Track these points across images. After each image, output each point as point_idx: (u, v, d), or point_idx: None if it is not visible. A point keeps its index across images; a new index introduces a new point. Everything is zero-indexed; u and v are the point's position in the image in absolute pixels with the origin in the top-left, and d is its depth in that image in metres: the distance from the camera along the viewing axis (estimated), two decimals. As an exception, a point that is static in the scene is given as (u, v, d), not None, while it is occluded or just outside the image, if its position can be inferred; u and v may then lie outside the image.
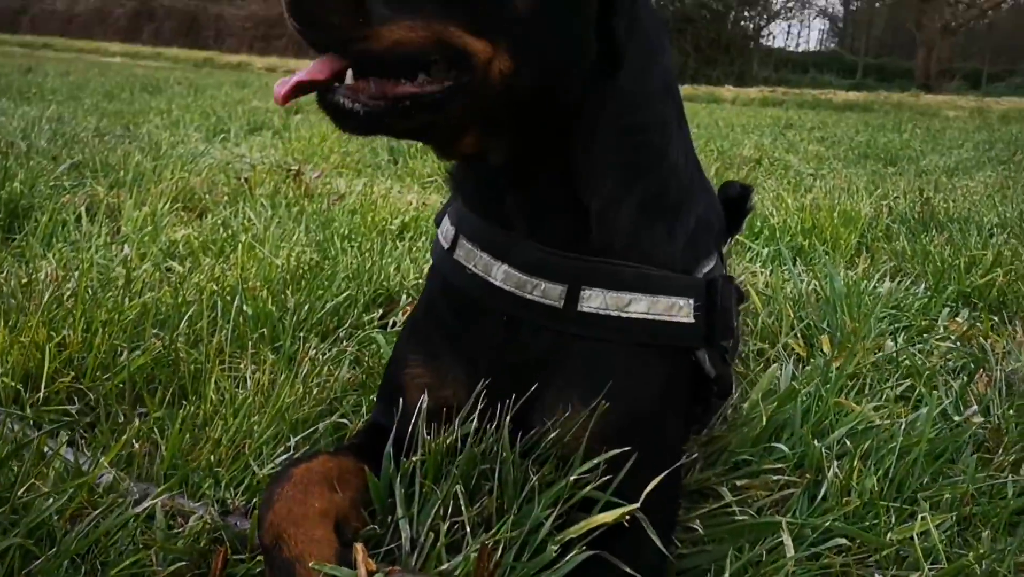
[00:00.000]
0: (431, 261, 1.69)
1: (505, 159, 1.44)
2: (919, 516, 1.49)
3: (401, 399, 1.53)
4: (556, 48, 1.38)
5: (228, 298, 2.36)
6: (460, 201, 1.63)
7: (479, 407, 1.48)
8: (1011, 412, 1.94)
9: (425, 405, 1.47)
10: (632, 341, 1.46)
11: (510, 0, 1.32)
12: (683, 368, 1.55)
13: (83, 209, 3.43)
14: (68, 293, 2.39)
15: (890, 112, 20.38)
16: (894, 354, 2.32)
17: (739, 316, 1.74)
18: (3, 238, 3.19)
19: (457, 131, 1.39)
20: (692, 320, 1.49)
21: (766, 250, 3.49)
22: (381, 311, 2.63)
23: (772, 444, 1.67)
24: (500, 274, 1.48)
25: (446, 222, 1.64)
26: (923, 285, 3.03)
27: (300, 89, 1.31)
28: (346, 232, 3.19)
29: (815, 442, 1.64)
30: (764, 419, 1.67)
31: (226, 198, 3.89)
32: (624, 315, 1.45)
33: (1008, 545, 1.42)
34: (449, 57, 1.31)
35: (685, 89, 23.96)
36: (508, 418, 1.45)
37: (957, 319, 2.61)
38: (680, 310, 1.48)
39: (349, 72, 1.31)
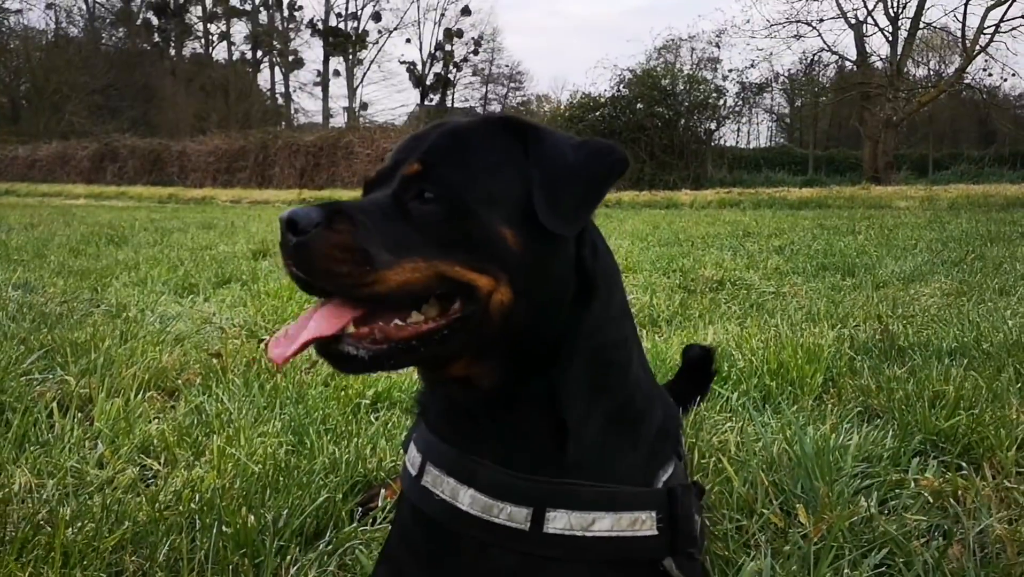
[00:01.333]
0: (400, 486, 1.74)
1: (492, 383, 1.51)
2: None
3: None
4: (546, 281, 1.49)
5: (206, 509, 2.36)
6: (424, 427, 1.69)
7: None
8: (988, 585, 1.97)
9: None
10: (599, 559, 1.50)
11: (503, 240, 1.43)
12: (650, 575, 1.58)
13: (55, 405, 3.43)
14: (42, 515, 2.38)
15: (843, 207, 20.95)
16: (868, 515, 2.36)
17: (702, 512, 1.78)
18: (-26, 440, 3.17)
19: (453, 359, 1.48)
20: (655, 532, 1.54)
21: (734, 395, 3.55)
22: (359, 499, 2.64)
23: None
24: (467, 498, 1.53)
25: (413, 449, 1.70)
26: (891, 430, 3.08)
27: (304, 347, 1.38)
28: (321, 417, 3.20)
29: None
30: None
31: (199, 379, 3.89)
32: (589, 534, 1.50)
33: None
34: (453, 290, 1.42)
35: (644, 196, 24.52)
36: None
37: (928, 475, 2.64)
38: (643, 524, 1.54)
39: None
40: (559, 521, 1.50)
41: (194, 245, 11.61)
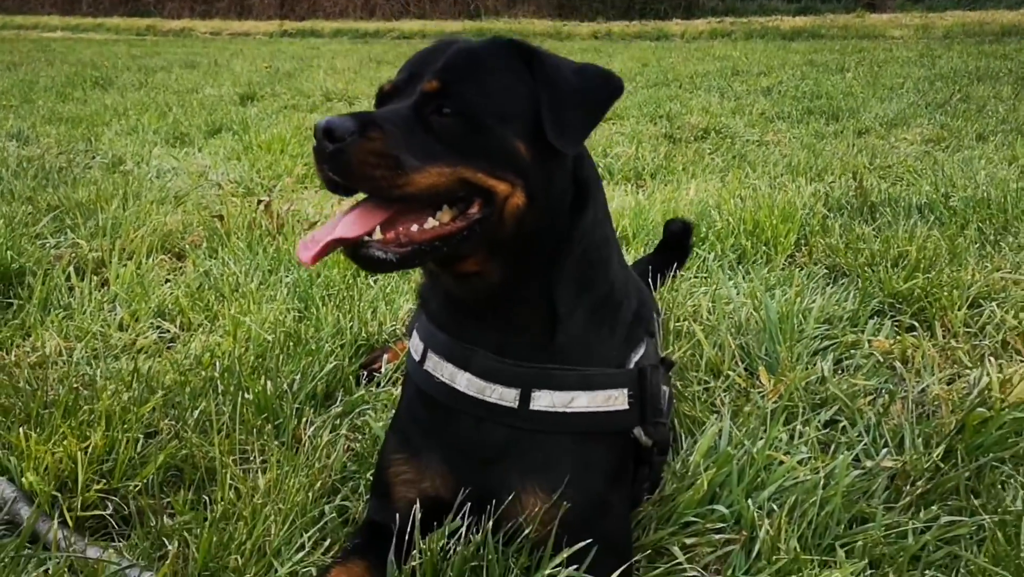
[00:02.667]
0: (405, 368, 1.97)
1: (499, 278, 1.71)
2: (834, 565, 1.81)
3: (390, 497, 1.83)
4: (552, 188, 1.69)
5: (227, 375, 2.61)
6: (424, 317, 1.91)
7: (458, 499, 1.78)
8: (919, 440, 2.25)
9: (419, 514, 1.75)
10: (578, 431, 1.77)
11: (518, 151, 1.62)
12: (623, 445, 1.86)
13: (71, 269, 3.64)
14: (75, 377, 2.64)
15: (836, 38, 20.66)
16: (822, 376, 2.63)
17: (670, 383, 2.04)
18: (2, 305, 3.40)
19: (468, 257, 1.68)
20: (627, 407, 1.80)
21: (711, 255, 3.78)
22: (363, 360, 2.90)
23: (713, 506, 1.97)
24: (463, 381, 1.78)
25: (415, 337, 1.93)
26: (853, 291, 3.33)
27: (330, 248, 1.56)
28: (323, 283, 3.42)
29: (748, 502, 1.94)
30: (705, 483, 1.96)
31: (204, 242, 4.09)
32: (569, 410, 1.76)
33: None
34: (473, 194, 1.60)
35: (634, 27, 24.01)
36: (490, 522, 1.74)
37: (880, 337, 2.91)
38: (616, 400, 1.79)
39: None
40: (543, 400, 1.75)
41: (180, 87, 11.54)
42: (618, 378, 1.81)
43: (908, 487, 2.07)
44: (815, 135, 6.91)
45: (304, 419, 2.46)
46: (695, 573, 1.84)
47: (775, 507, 1.96)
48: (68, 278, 3.58)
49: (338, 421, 2.45)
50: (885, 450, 2.16)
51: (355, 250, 1.56)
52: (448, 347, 1.81)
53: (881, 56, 13.97)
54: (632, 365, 1.86)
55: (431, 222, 1.60)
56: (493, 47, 1.73)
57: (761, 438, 2.16)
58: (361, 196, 1.61)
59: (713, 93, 9.60)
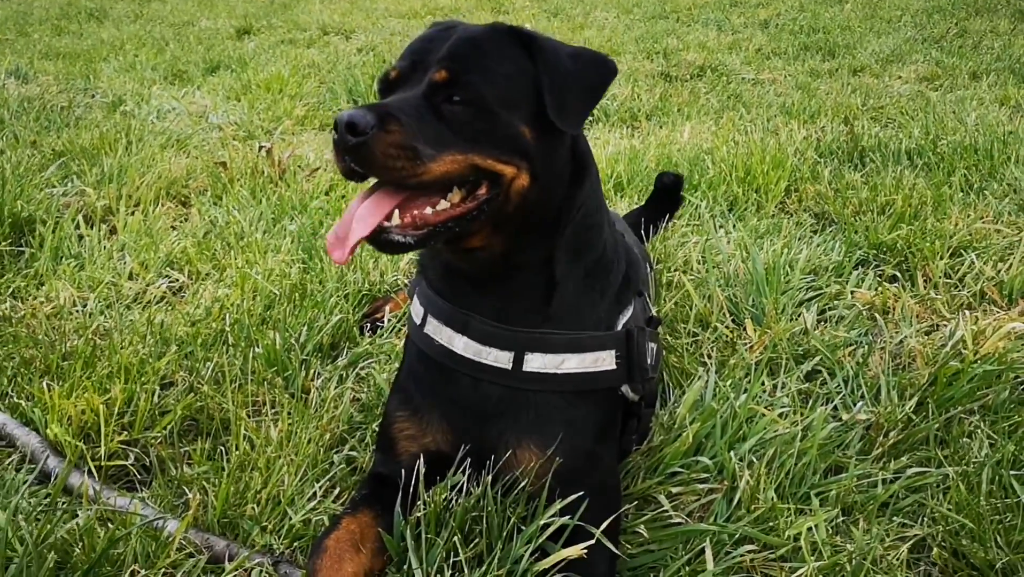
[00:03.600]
0: (407, 331, 2.10)
1: (503, 250, 1.84)
2: (808, 512, 1.97)
3: (394, 450, 1.98)
4: (553, 166, 1.83)
5: (236, 328, 2.73)
6: (425, 283, 2.03)
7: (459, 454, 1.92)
8: (894, 393, 2.39)
9: (423, 469, 1.89)
10: (568, 389, 1.91)
11: (523, 135, 1.75)
12: (612, 401, 2.01)
13: (80, 218, 3.74)
14: (92, 328, 2.76)
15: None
16: (805, 328, 2.76)
17: (658, 340, 2.17)
18: (14, 253, 3.50)
19: (476, 233, 1.79)
20: (614, 366, 1.94)
21: (703, 203, 3.88)
22: (365, 310, 3.02)
23: (697, 457, 2.11)
24: (461, 344, 1.92)
25: (416, 303, 2.05)
26: (838, 242, 3.44)
27: (357, 245, 1.67)
28: (325, 232, 3.52)
29: (730, 454, 2.08)
30: (690, 436, 2.10)
31: (208, 190, 4.18)
32: (560, 371, 1.89)
33: (876, 535, 1.90)
34: (482, 177, 1.73)
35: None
36: (489, 475, 1.88)
37: (863, 289, 3.02)
38: (604, 361, 1.93)
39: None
40: (535, 362, 1.88)
41: (175, 20, 11.43)
42: (606, 340, 1.94)
43: (881, 438, 2.21)
44: (810, 73, 6.93)
45: (312, 371, 2.59)
46: (680, 520, 1.98)
47: (755, 459, 2.10)
48: (78, 227, 3.67)
49: (344, 374, 2.58)
50: (861, 403, 2.29)
51: (376, 236, 1.67)
52: (447, 312, 1.94)
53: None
54: (620, 327, 1.99)
55: (443, 204, 1.72)
56: (495, 34, 1.82)
57: (745, 391, 2.30)
58: (372, 180, 1.72)
59: (711, 27, 9.55)
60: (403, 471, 1.91)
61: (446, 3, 12.75)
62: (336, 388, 2.47)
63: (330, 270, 3.17)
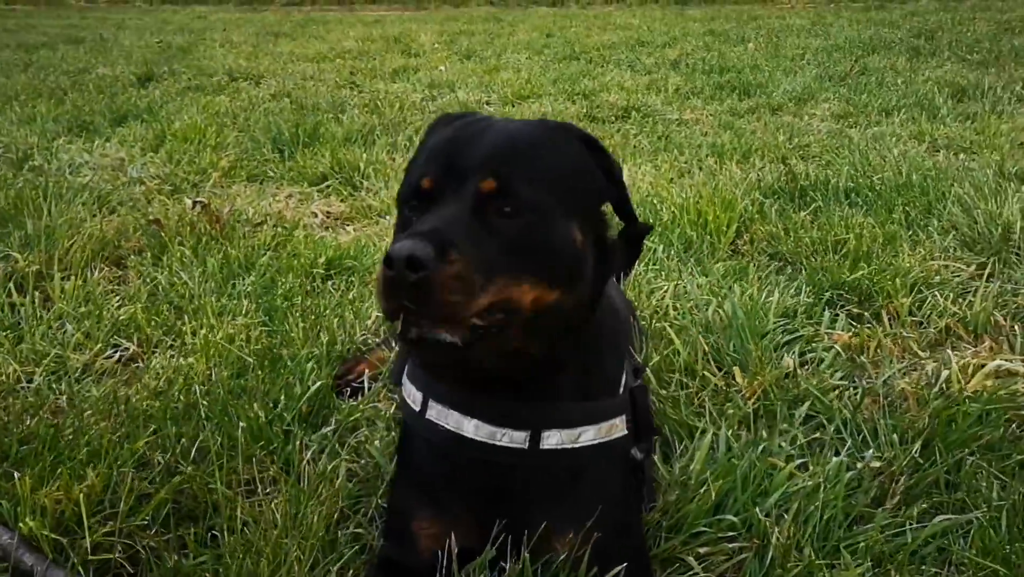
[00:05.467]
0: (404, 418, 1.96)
1: (540, 350, 1.68)
2: (841, 566, 1.93)
3: (414, 547, 1.84)
4: (587, 277, 1.68)
5: (213, 402, 2.57)
6: (414, 365, 1.91)
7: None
8: (895, 436, 2.39)
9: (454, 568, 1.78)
10: (587, 462, 1.82)
11: (576, 245, 1.61)
12: (626, 465, 1.94)
13: (12, 285, 3.50)
14: (53, 407, 2.56)
15: (729, 2, 21.06)
16: (792, 371, 2.76)
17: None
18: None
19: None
20: (626, 431, 1.87)
21: (660, 247, 3.88)
22: (337, 371, 2.89)
23: (722, 516, 2.06)
24: (471, 427, 1.77)
25: (410, 387, 1.91)
26: (801, 281, 3.48)
27: None
28: (283, 292, 3.38)
29: (757, 511, 2.04)
30: (713, 493, 2.05)
31: (145, 249, 3.98)
32: (577, 445, 1.79)
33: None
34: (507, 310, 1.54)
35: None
36: (525, 552, 1.79)
37: (838, 330, 3.05)
38: (617, 428, 1.85)
39: None
40: (552, 439, 1.77)
41: (69, 68, 11.01)
42: (617, 406, 1.87)
43: (893, 485, 2.21)
44: (731, 112, 7.10)
45: (297, 442, 2.45)
46: (708, 582, 1.93)
47: (782, 513, 2.06)
48: (9, 294, 3.44)
49: (333, 444, 2.45)
50: (871, 450, 2.28)
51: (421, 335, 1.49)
52: (451, 394, 1.80)
53: (776, 24, 14.36)
54: (622, 387, 1.92)
55: None
56: (543, 130, 1.71)
57: (756, 444, 2.27)
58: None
59: (624, 67, 9.72)
60: (423, 560, 1.81)
61: (352, 45, 12.68)
62: (328, 459, 2.33)
63: (297, 331, 3.03)
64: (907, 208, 4.29)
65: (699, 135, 6.19)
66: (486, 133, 1.64)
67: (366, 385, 2.78)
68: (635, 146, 5.92)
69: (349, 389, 2.79)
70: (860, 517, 2.12)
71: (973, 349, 2.93)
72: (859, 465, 2.22)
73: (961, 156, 5.51)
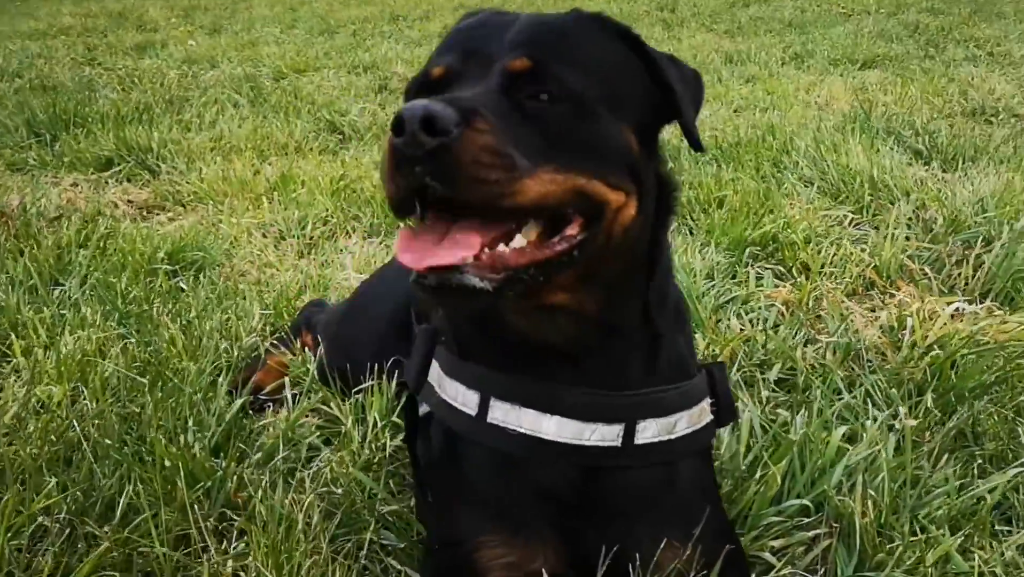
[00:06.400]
0: (451, 428, 1.53)
1: (596, 308, 1.38)
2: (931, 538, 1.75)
3: None
4: (653, 193, 1.40)
5: (98, 439, 1.98)
6: (451, 357, 1.52)
7: None
8: (893, 391, 2.26)
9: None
10: (680, 457, 1.51)
11: (631, 149, 1.33)
12: (711, 456, 1.66)
13: None
14: None
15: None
16: (766, 334, 2.58)
17: None
18: None
19: (559, 285, 1.32)
20: (712, 416, 1.58)
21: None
22: (232, 380, 2.37)
23: (789, 502, 1.81)
24: (552, 426, 1.42)
25: (456, 387, 1.51)
26: (708, 242, 3.33)
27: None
28: (123, 296, 2.75)
29: (829, 489, 1.81)
30: (778, 478, 1.80)
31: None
32: (673, 436, 1.48)
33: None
34: (578, 209, 1.26)
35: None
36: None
37: (778, 288, 2.91)
38: (705, 413, 1.56)
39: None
40: (649, 431, 1.45)
41: None
42: (702, 388, 1.57)
43: (927, 442, 2.06)
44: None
45: (233, 479, 1.92)
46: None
47: (849, 489, 1.85)
48: None
49: (282, 477, 1.94)
50: (902, 410, 2.11)
51: (447, 277, 1.16)
52: (524, 389, 1.44)
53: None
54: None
55: (518, 240, 1.23)
56: (579, 21, 1.40)
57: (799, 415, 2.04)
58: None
59: (388, 40, 9.29)
60: None
61: (72, 22, 11.30)
62: (284, 494, 1.84)
63: (179, 343, 2.44)
64: (758, 165, 4.28)
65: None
66: (517, 20, 1.36)
67: (289, 398, 2.27)
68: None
69: (271, 405, 2.28)
70: (915, 480, 1.94)
71: (899, 295, 2.88)
72: (896, 425, 2.04)
73: (767, 114, 5.61)
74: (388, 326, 2.19)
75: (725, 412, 1.60)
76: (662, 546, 1.45)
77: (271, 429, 2.18)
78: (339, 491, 1.87)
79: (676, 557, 1.46)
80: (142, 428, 2.05)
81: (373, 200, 3.83)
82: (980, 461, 1.99)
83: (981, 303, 2.79)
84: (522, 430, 1.42)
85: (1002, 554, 1.73)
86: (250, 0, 14.24)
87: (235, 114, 5.59)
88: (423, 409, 1.66)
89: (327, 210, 3.76)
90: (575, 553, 1.46)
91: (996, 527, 1.84)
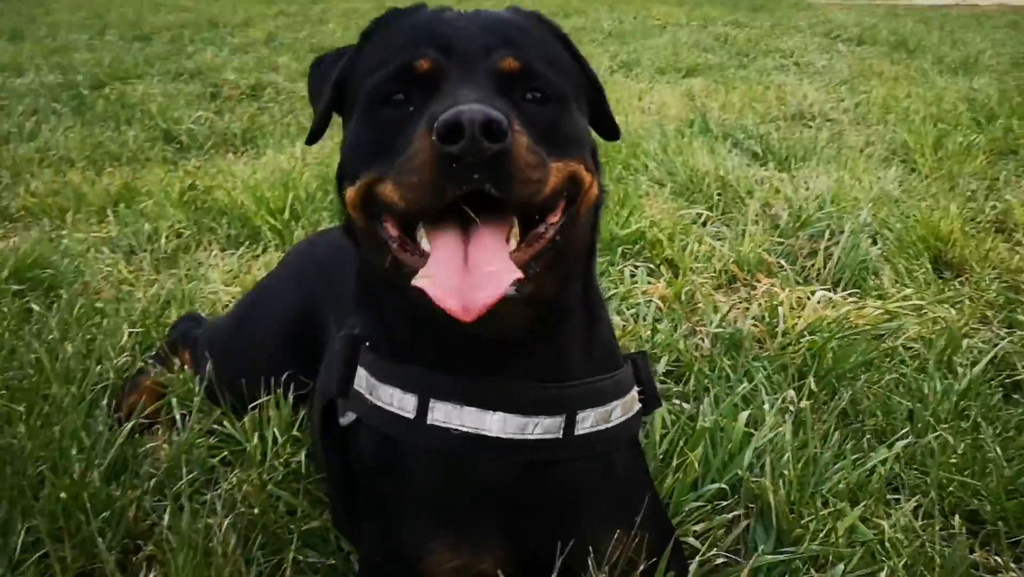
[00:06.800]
0: (385, 435, 1.47)
1: (554, 291, 1.39)
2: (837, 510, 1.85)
3: None
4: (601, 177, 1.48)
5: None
6: (383, 362, 1.48)
7: None
8: (778, 377, 2.38)
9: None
10: (618, 445, 1.54)
11: (589, 136, 1.42)
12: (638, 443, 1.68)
13: None
14: None
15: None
16: (634, 331, 2.65)
17: None
18: None
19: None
20: (640, 404, 1.61)
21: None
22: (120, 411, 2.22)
23: (707, 487, 1.87)
24: (495, 424, 1.40)
25: (394, 392, 1.45)
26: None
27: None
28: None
29: (744, 473, 1.88)
30: (696, 464, 1.86)
31: None
32: (609, 425, 1.50)
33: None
34: (571, 193, 1.32)
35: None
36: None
37: (652, 284, 3.00)
38: (635, 401, 1.59)
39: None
40: (588, 421, 1.46)
41: None
42: (630, 375, 1.60)
43: (817, 421, 2.18)
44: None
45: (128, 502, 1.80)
46: (724, 558, 1.74)
47: (760, 470, 1.93)
48: None
49: (189, 500, 1.83)
50: (789, 392, 2.22)
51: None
52: (465, 388, 1.41)
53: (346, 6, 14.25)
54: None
55: (513, 241, 1.25)
56: (529, 19, 1.47)
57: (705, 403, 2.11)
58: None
59: (214, 47, 8.96)
60: None
61: None
62: (194, 519, 1.73)
63: (46, 367, 2.26)
64: (609, 169, 4.40)
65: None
66: (476, 17, 1.40)
67: (178, 418, 2.14)
68: (290, 126, 5.44)
69: (159, 427, 2.15)
70: (814, 458, 2.04)
71: (760, 287, 3.04)
72: (792, 408, 2.15)
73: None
74: (282, 340, 2.13)
75: (651, 400, 1.63)
76: (610, 536, 1.46)
77: (162, 453, 2.06)
78: (255, 510, 1.78)
79: (621, 545, 1.47)
80: (17, 461, 1.88)
81: (228, 211, 3.68)
82: (868, 437, 2.13)
83: (835, 292, 2.98)
84: (465, 429, 1.39)
85: (897, 522, 1.85)
86: (49, 5, 13.43)
87: (58, 124, 5.23)
88: (346, 419, 1.60)
89: (180, 222, 3.59)
90: (522, 550, 1.45)
91: (888, 497, 1.97)
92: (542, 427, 1.41)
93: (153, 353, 2.47)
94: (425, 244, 1.26)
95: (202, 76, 7.10)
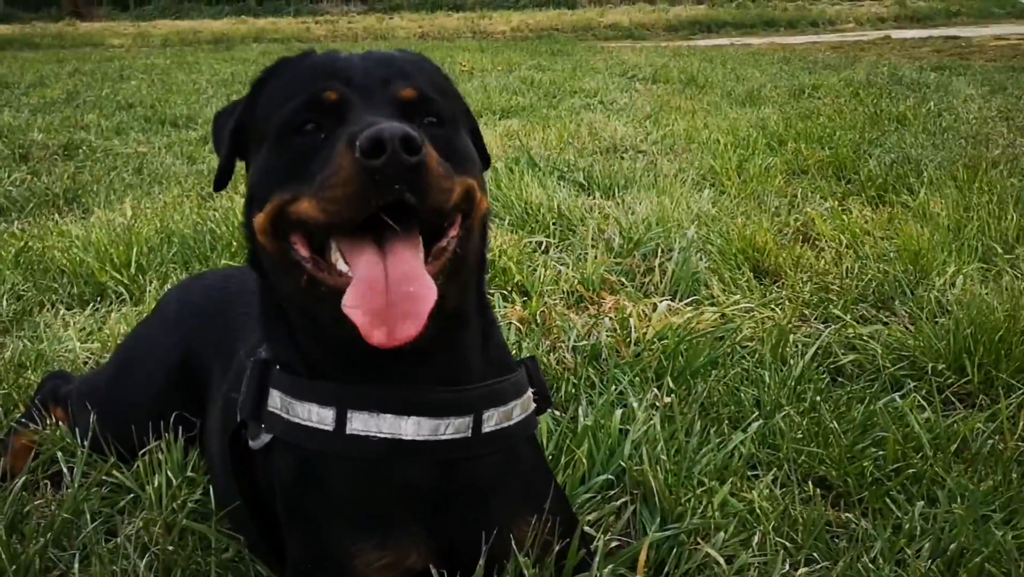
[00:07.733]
0: (304, 450, 1.55)
1: (456, 301, 1.50)
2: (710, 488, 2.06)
3: None
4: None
5: None
6: (291, 380, 1.57)
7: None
8: (637, 379, 2.60)
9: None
10: (519, 441, 1.70)
11: (476, 156, 1.56)
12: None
13: None
14: None
15: (53, 47, 19.79)
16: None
17: None
18: None
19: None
20: (535, 404, 1.78)
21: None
22: None
23: (595, 479, 2.04)
24: (410, 428, 1.51)
25: (311, 408, 1.54)
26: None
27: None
28: None
29: (627, 463, 2.07)
30: (584, 458, 2.02)
31: None
32: (511, 423, 1.65)
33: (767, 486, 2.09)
34: (467, 208, 1.44)
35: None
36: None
37: (508, 308, 3.17)
38: (530, 401, 1.75)
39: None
40: (493, 420, 1.59)
41: None
42: (525, 378, 1.76)
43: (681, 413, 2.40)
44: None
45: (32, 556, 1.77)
46: (617, 541, 1.91)
47: (639, 459, 2.11)
48: None
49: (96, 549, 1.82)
50: (654, 391, 2.44)
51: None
52: (380, 397, 1.52)
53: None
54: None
55: (420, 254, 1.38)
56: (417, 56, 1.64)
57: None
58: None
59: (11, 107, 8.54)
60: None
61: None
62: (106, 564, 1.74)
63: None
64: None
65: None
66: (370, 56, 1.55)
67: (65, 471, 2.11)
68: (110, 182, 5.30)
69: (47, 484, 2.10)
70: (682, 446, 2.26)
71: (606, 303, 3.27)
72: (658, 405, 2.36)
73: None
74: (166, 383, 2.14)
75: (543, 400, 1.79)
76: (523, 522, 1.60)
77: (53, 507, 2.02)
78: (169, 548, 1.80)
79: (532, 531, 1.61)
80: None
81: (68, 270, 3.58)
82: (726, 423, 2.37)
83: (675, 301, 3.25)
84: (383, 435, 1.49)
85: (761, 492, 2.08)
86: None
87: None
88: (258, 442, 1.66)
89: (17, 284, 3.47)
90: (444, 543, 1.56)
91: (750, 473, 2.21)
92: (453, 427, 1.53)
93: (22, 414, 2.40)
94: (342, 264, 1.37)
95: (5, 137, 6.77)
